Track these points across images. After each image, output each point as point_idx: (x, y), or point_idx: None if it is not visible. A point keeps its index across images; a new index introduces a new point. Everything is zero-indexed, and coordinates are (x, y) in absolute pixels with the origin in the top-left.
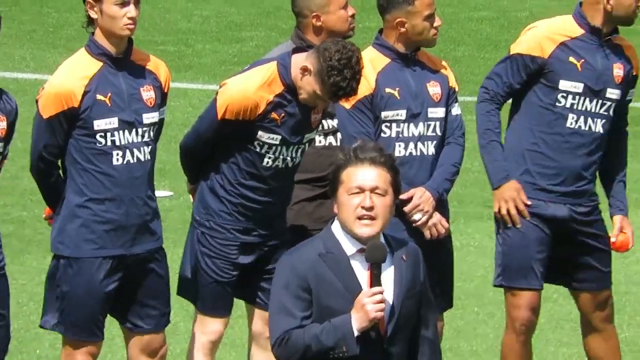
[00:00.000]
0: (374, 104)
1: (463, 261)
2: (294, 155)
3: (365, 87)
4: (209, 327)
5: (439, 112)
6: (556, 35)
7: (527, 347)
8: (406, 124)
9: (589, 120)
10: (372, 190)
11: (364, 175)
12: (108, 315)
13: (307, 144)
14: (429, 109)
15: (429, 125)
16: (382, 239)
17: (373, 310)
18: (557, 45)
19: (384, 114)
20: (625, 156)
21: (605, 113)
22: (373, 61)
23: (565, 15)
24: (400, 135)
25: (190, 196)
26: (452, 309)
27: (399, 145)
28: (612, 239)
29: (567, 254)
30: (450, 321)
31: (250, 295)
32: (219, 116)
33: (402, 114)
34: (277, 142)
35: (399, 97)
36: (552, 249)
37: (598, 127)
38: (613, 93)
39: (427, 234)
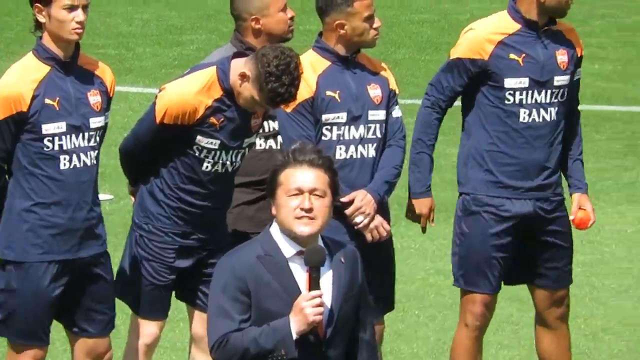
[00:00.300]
0: (315, 107)
1: (404, 264)
2: (233, 159)
3: (306, 90)
4: (145, 329)
5: (380, 114)
6: (493, 34)
7: (478, 345)
8: (347, 127)
9: (542, 111)
10: (311, 191)
11: (303, 177)
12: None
13: (247, 148)
14: (370, 112)
15: (369, 128)
16: (320, 242)
17: (312, 313)
18: (495, 44)
19: (324, 117)
20: (579, 135)
21: (556, 100)
22: (313, 64)
23: (500, 12)
24: (341, 138)
25: (131, 198)
26: (393, 312)
27: (340, 148)
28: (571, 217)
29: (529, 250)
30: (391, 324)
31: (191, 298)
32: (158, 120)
33: (342, 116)
34: (216, 147)
35: (339, 100)
36: (515, 249)
37: (552, 115)
38: (561, 80)
39: (368, 236)
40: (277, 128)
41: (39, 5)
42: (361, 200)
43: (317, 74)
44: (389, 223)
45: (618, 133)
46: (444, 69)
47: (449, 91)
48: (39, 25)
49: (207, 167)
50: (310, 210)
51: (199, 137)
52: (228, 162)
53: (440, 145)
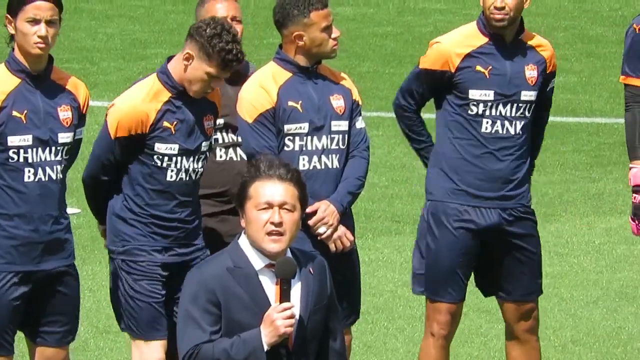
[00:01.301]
0: (277, 117)
1: (372, 276)
2: (195, 166)
3: (267, 101)
4: (151, 354)
5: (343, 125)
6: (461, 47)
7: (444, 354)
8: (309, 137)
9: (506, 124)
10: (281, 205)
11: (272, 191)
12: (18, 332)
13: (206, 155)
14: (333, 122)
15: (332, 139)
16: (288, 253)
17: (283, 325)
18: (462, 57)
19: (286, 127)
20: (539, 144)
21: (522, 115)
22: (275, 75)
23: (468, 25)
24: (304, 149)
25: (104, 240)
26: (362, 324)
27: (303, 159)
28: None
29: (495, 262)
30: (360, 336)
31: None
32: (112, 135)
33: (304, 127)
34: (176, 152)
35: (301, 110)
36: (480, 258)
37: (517, 128)
38: (527, 95)
39: (332, 247)
40: (236, 139)
41: (8, 16)
42: (324, 211)
43: (278, 85)
44: (353, 233)
45: (584, 145)
46: (412, 78)
47: (419, 96)
48: (12, 36)
49: (171, 176)
50: (280, 224)
51: (157, 145)
52: (191, 169)
53: (405, 158)
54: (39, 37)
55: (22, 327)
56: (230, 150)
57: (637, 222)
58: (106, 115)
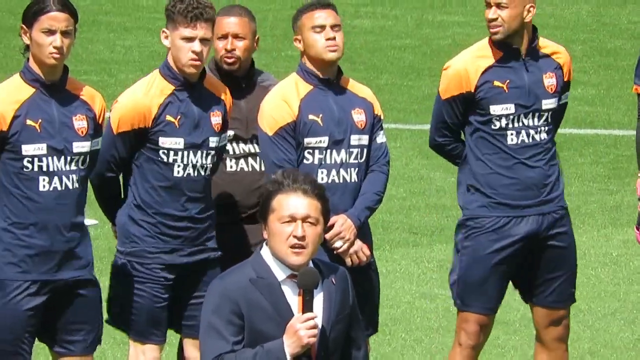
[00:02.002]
0: (297, 130)
1: (390, 287)
2: (204, 162)
3: (288, 114)
4: (146, 355)
5: (364, 139)
6: (475, 65)
7: None
8: (329, 151)
9: (531, 132)
10: (304, 219)
11: (296, 204)
12: (37, 341)
13: (216, 152)
14: (353, 136)
15: (351, 153)
16: (310, 263)
17: (306, 335)
18: (479, 75)
19: (306, 141)
20: None
21: (545, 122)
22: (297, 88)
23: (481, 41)
24: (323, 162)
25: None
26: (379, 335)
27: (322, 172)
28: None
29: (530, 269)
30: (377, 347)
31: (178, 325)
32: (115, 130)
33: (324, 140)
34: (182, 146)
35: (322, 124)
36: (516, 267)
37: (542, 135)
38: (548, 103)
39: (348, 261)
40: (247, 150)
41: (23, 26)
42: (341, 225)
43: (299, 98)
44: (370, 247)
45: (601, 157)
46: (440, 112)
47: (454, 126)
48: (27, 47)
49: (178, 172)
50: (302, 238)
51: (161, 139)
52: (199, 165)
53: (422, 170)
54: (54, 47)
55: (43, 338)
56: (241, 160)
57: None
58: (110, 111)
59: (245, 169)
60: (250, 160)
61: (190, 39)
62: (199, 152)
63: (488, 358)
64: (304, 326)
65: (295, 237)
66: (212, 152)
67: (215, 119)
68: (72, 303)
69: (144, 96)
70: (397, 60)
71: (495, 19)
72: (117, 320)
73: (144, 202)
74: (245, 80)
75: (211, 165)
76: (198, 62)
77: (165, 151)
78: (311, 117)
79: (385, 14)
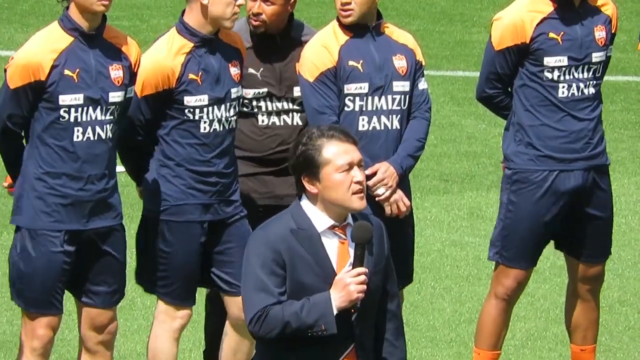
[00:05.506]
0: (337, 76)
1: (420, 235)
2: (227, 114)
3: (328, 59)
4: (178, 312)
5: (405, 85)
6: (530, 16)
7: (505, 317)
8: (369, 98)
9: (581, 86)
10: (359, 164)
11: (350, 152)
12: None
13: (238, 102)
14: (394, 83)
15: (394, 99)
16: (350, 217)
17: (356, 290)
18: (535, 26)
19: (346, 87)
20: None
21: (593, 75)
22: (337, 34)
23: None
24: (364, 109)
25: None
26: (409, 284)
27: (363, 119)
28: None
29: (571, 222)
30: (407, 296)
31: (210, 282)
32: (140, 94)
33: (364, 87)
34: (206, 102)
35: (362, 70)
36: (559, 223)
37: (591, 89)
38: (598, 56)
39: (387, 209)
40: (279, 107)
41: None
42: (384, 172)
43: (339, 44)
44: (409, 197)
45: (632, 104)
46: (491, 63)
47: (506, 77)
48: None
49: (205, 128)
50: (362, 182)
51: (186, 98)
52: (224, 118)
53: (453, 117)
54: None
55: (69, 287)
56: (273, 116)
57: None
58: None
59: (278, 123)
60: (283, 116)
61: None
62: (223, 106)
63: (518, 306)
64: (354, 280)
65: (358, 182)
66: (235, 104)
67: (234, 69)
68: (99, 255)
69: (165, 58)
70: (428, 5)
71: None
72: (148, 282)
73: (172, 161)
74: (280, 37)
75: (234, 117)
76: (256, 23)
77: (191, 109)
78: (351, 63)
79: None
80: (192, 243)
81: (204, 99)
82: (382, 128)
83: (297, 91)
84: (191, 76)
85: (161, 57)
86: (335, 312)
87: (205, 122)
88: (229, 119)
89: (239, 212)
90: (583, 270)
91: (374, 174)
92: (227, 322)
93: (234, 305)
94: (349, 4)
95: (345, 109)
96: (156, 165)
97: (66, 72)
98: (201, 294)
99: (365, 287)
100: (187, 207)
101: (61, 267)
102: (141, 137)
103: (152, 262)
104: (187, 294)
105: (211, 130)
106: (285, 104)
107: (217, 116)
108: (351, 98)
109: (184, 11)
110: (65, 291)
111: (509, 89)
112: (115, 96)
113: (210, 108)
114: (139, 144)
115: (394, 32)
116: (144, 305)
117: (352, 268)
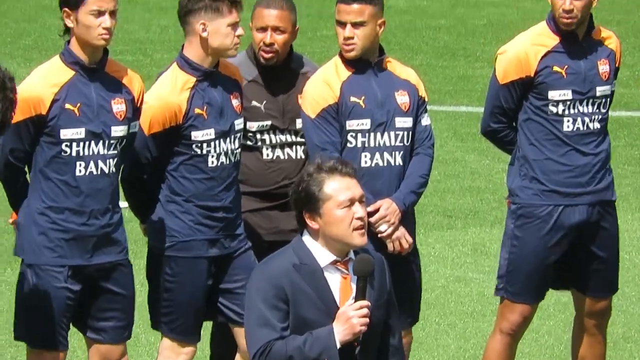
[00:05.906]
0: (339, 113)
1: (424, 271)
2: (233, 147)
3: (330, 96)
4: (183, 349)
5: (407, 121)
6: (535, 49)
7: (510, 352)
8: (372, 134)
9: (586, 120)
10: (360, 200)
11: (352, 188)
12: (71, 326)
13: (241, 134)
14: (397, 119)
15: (396, 135)
16: (351, 253)
17: (359, 323)
18: (539, 59)
19: (348, 123)
20: None
21: (598, 109)
22: (338, 70)
23: (537, 26)
24: (366, 146)
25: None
26: None
27: (365, 156)
28: None
29: (576, 257)
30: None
31: (214, 314)
32: (147, 132)
33: (367, 123)
34: (213, 136)
35: (364, 106)
36: (565, 257)
37: (595, 124)
38: (601, 90)
39: (390, 246)
40: (283, 140)
41: (66, 9)
42: (386, 209)
43: (341, 80)
44: (414, 234)
45: (636, 139)
46: (495, 97)
47: (510, 111)
48: (67, 29)
49: (212, 162)
50: (364, 218)
51: (193, 134)
52: (229, 151)
53: (457, 152)
54: (104, 28)
55: (76, 324)
56: (277, 149)
57: None
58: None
59: (282, 157)
60: (287, 149)
61: (236, 25)
62: (228, 139)
63: (522, 342)
64: (357, 314)
65: (359, 219)
66: (239, 135)
67: (235, 101)
68: (105, 291)
69: (171, 94)
70: (432, 40)
71: (571, 11)
72: (155, 321)
73: (180, 197)
74: (282, 70)
75: (239, 150)
76: (269, 54)
77: (199, 144)
78: (353, 99)
79: None
80: (198, 279)
81: (210, 133)
82: (385, 164)
83: (299, 123)
84: (197, 111)
85: (167, 94)
86: (338, 345)
87: (212, 156)
88: (234, 151)
89: (243, 245)
90: (589, 304)
91: (377, 210)
92: (237, 355)
93: (244, 336)
94: (352, 38)
95: (348, 145)
96: (163, 201)
97: (67, 106)
98: (206, 329)
99: (368, 320)
100: (195, 243)
101: (65, 302)
102: (147, 175)
103: (157, 297)
104: (192, 330)
105: (218, 164)
106: (288, 136)
107: (223, 149)
108: (353, 134)
109: (183, 45)
110: (71, 327)
111: (514, 124)
112: (118, 130)
113: (217, 142)
114: (144, 181)
115: (397, 67)
116: (149, 341)
117: (355, 301)
